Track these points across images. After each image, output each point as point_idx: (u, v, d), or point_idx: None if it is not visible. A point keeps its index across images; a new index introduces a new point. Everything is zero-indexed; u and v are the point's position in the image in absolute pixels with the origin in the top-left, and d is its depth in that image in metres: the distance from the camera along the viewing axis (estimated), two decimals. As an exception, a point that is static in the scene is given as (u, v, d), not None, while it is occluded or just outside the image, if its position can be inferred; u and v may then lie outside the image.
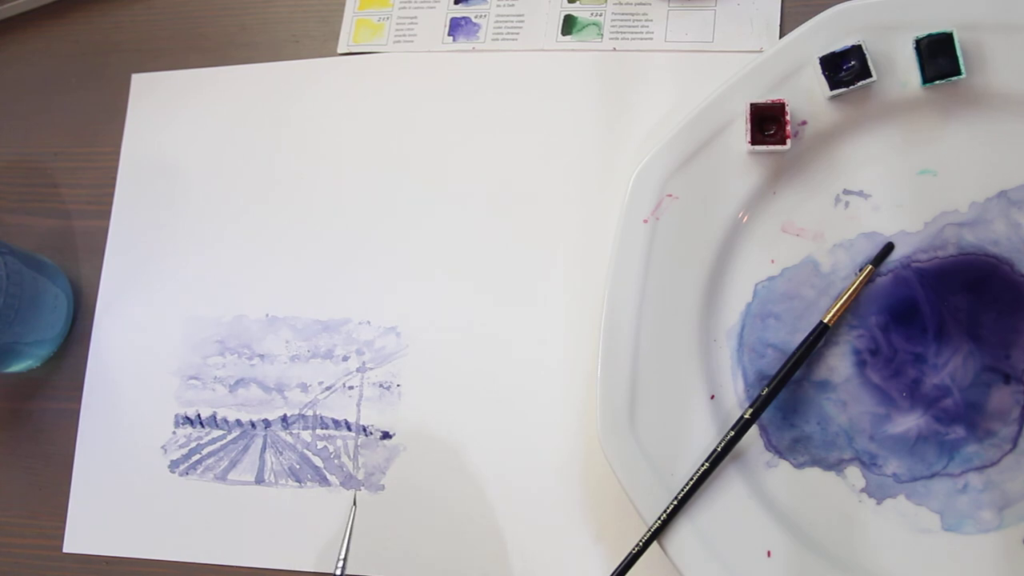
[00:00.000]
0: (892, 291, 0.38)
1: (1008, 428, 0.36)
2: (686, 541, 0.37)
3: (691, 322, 0.39)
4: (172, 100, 0.50)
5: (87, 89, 0.52)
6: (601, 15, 0.46)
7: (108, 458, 0.46)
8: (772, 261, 0.40)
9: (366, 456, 0.43)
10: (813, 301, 0.39)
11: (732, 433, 0.37)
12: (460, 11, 0.48)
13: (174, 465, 0.45)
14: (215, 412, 0.46)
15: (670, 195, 0.40)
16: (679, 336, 0.39)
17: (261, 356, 0.46)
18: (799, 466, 0.38)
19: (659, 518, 0.37)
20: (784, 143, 0.38)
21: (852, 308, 0.38)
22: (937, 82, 0.38)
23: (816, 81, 0.39)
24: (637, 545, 0.37)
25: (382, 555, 0.42)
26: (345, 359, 0.45)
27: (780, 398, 0.38)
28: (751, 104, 0.38)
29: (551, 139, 0.45)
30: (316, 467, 0.44)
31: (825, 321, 0.38)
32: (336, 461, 0.44)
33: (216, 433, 0.45)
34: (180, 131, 0.50)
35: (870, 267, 0.38)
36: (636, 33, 0.45)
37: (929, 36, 0.37)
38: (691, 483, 0.37)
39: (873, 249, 0.39)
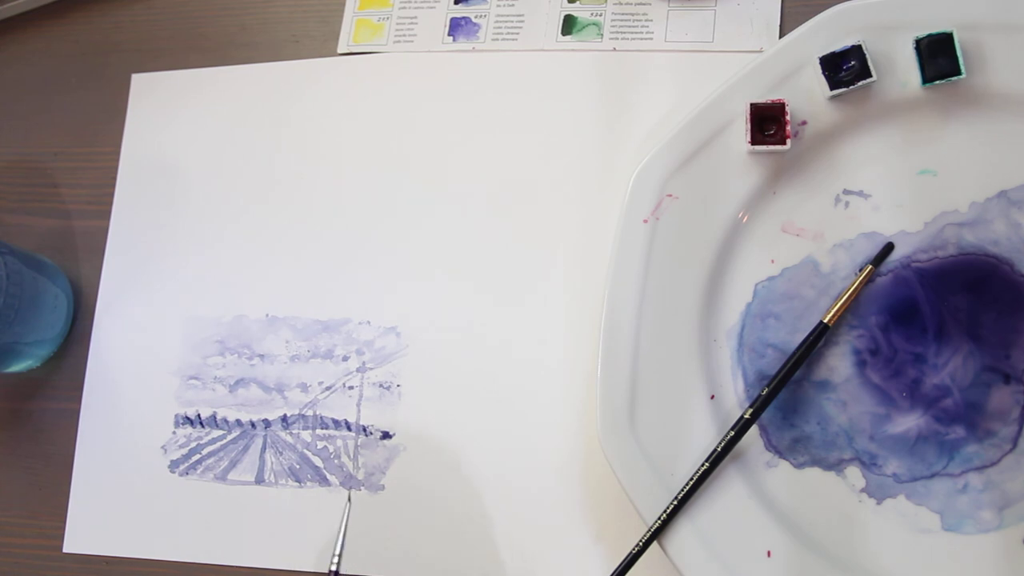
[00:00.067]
0: (892, 291, 0.38)
1: (1008, 428, 0.36)
2: (686, 541, 0.37)
3: (691, 322, 0.39)
4: (172, 100, 0.50)
5: (87, 89, 0.52)
6: (601, 15, 0.46)
7: (108, 458, 0.46)
8: (772, 261, 0.40)
9: (366, 456, 0.43)
10: (813, 301, 0.39)
11: (732, 433, 0.37)
12: (460, 11, 0.48)
13: (174, 465, 0.45)
14: (215, 412, 0.46)
15: (670, 195, 0.40)
16: (679, 336, 0.39)
17: (261, 356, 0.46)
18: (799, 466, 0.38)
19: (659, 518, 0.37)
20: (784, 143, 0.38)
21: (852, 308, 0.38)
22: (937, 82, 0.38)
23: (816, 81, 0.39)
24: (637, 545, 0.37)
25: (382, 555, 0.42)
26: (345, 359, 0.45)
27: (780, 398, 0.38)
28: (751, 104, 0.38)
29: (551, 139, 0.45)
30: (316, 467, 0.44)
31: (825, 321, 0.38)
32: (336, 461, 0.44)
33: (216, 433, 0.45)
34: (180, 131, 0.50)
35: (870, 267, 0.38)
36: (636, 33, 0.45)
37: (929, 36, 0.37)
38: (691, 483, 0.37)
39: (873, 249, 0.39)
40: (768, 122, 0.39)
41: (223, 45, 0.51)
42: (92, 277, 0.49)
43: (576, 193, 0.44)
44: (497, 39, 0.47)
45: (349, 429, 0.44)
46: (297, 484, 0.44)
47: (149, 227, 0.49)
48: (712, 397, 0.39)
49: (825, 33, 0.39)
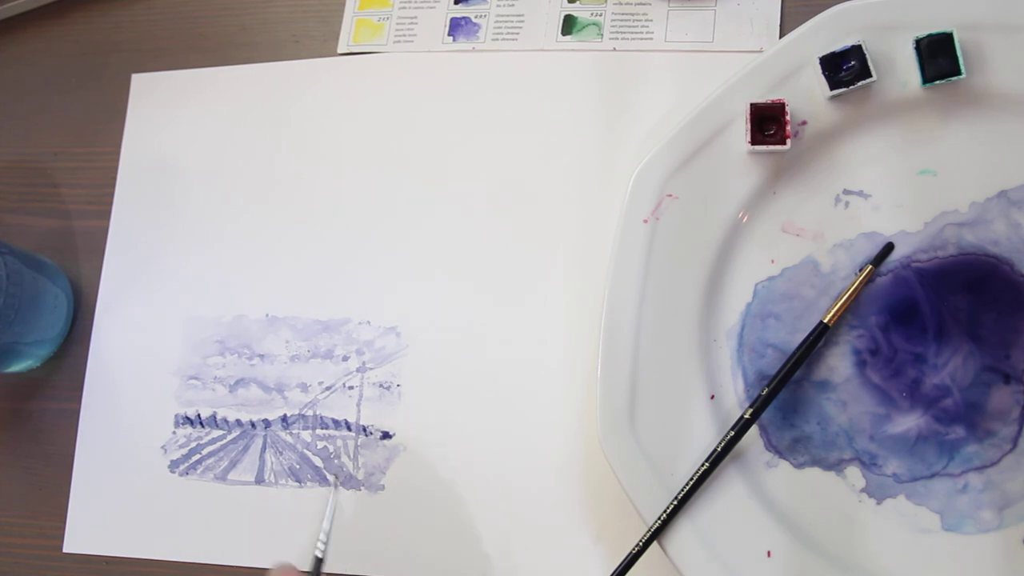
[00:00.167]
0: (892, 291, 0.38)
1: (1008, 428, 0.36)
2: (686, 541, 0.37)
3: (691, 322, 0.39)
4: (172, 100, 0.50)
5: (87, 89, 0.52)
6: (601, 15, 0.46)
7: (108, 458, 0.46)
8: (772, 261, 0.40)
9: (366, 456, 0.43)
10: (813, 301, 0.39)
11: (732, 433, 0.37)
12: (460, 11, 0.48)
13: (174, 465, 0.45)
14: (215, 412, 0.46)
15: (670, 195, 0.40)
16: (679, 336, 0.39)
17: (261, 356, 0.46)
18: (799, 466, 0.38)
19: (659, 518, 0.37)
20: (784, 143, 0.38)
21: (852, 308, 0.38)
22: (937, 82, 0.38)
23: (816, 81, 0.39)
24: (637, 545, 0.37)
25: (382, 555, 0.42)
26: (345, 359, 0.45)
27: (780, 398, 0.38)
28: (751, 104, 0.38)
29: (551, 139, 0.45)
30: (316, 467, 0.44)
31: (825, 321, 0.38)
32: (336, 461, 0.44)
33: (216, 433, 0.45)
34: (180, 131, 0.50)
35: (870, 267, 0.38)
36: (636, 33, 0.45)
37: (929, 36, 0.37)
38: (691, 483, 0.37)
39: (873, 249, 0.39)
40: (768, 122, 0.39)
41: (223, 45, 0.51)
42: (92, 277, 0.49)
43: (576, 193, 0.44)
44: (497, 39, 0.47)
45: (349, 429, 0.44)
46: (297, 484, 0.44)
47: (149, 227, 0.49)
48: (712, 397, 0.39)
49: (825, 33, 0.39)
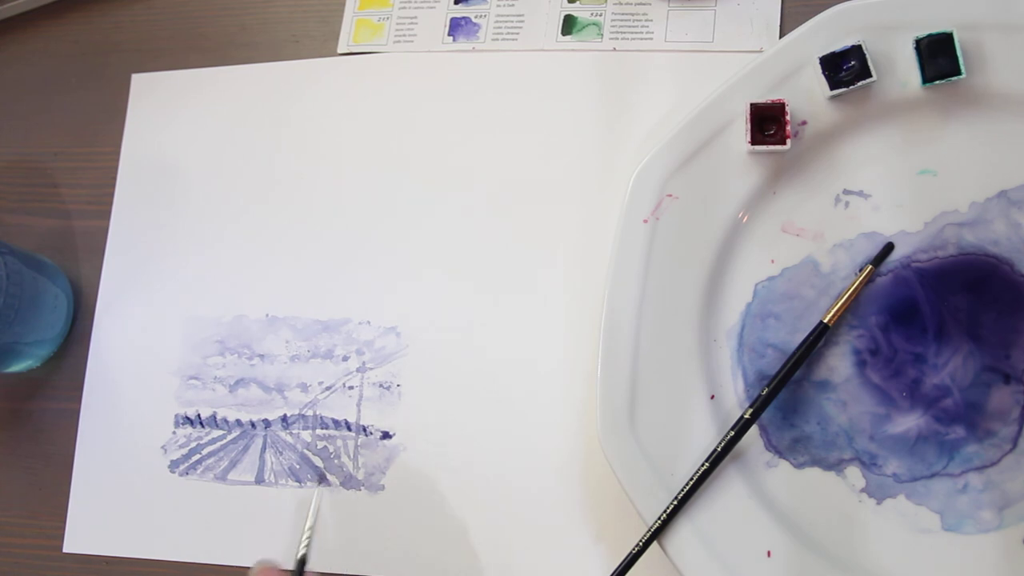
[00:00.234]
0: (892, 291, 0.38)
1: (1008, 428, 0.36)
2: (686, 541, 0.37)
3: (691, 322, 0.39)
4: (172, 100, 0.50)
5: (87, 89, 0.52)
6: (601, 15, 0.46)
7: (108, 458, 0.46)
8: (772, 261, 0.40)
9: (366, 456, 0.43)
10: (813, 301, 0.39)
11: (732, 433, 0.37)
12: (460, 11, 0.48)
13: (174, 465, 0.45)
14: (215, 412, 0.46)
15: (670, 195, 0.40)
16: (679, 336, 0.39)
17: (261, 356, 0.46)
18: (799, 466, 0.38)
19: (659, 518, 0.37)
20: (784, 143, 0.38)
21: (852, 308, 0.38)
22: (937, 82, 0.38)
23: (816, 81, 0.39)
24: (637, 545, 0.37)
25: (382, 555, 0.42)
26: (345, 359, 0.45)
27: (780, 398, 0.38)
28: (751, 104, 0.38)
29: (551, 139, 0.45)
30: (316, 467, 0.44)
31: (825, 321, 0.38)
32: (336, 461, 0.44)
33: (216, 433, 0.45)
34: (180, 131, 0.50)
35: (870, 267, 0.38)
36: (636, 33, 0.45)
37: (929, 36, 0.37)
38: (691, 483, 0.37)
39: (873, 249, 0.39)
40: (768, 122, 0.39)
41: (223, 45, 0.51)
42: (92, 277, 0.49)
43: (576, 193, 0.44)
44: (497, 39, 0.47)
45: (349, 429, 0.44)
46: (297, 484, 0.44)
47: (149, 227, 0.49)
48: (712, 397, 0.39)
49: (825, 33, 0.39)
